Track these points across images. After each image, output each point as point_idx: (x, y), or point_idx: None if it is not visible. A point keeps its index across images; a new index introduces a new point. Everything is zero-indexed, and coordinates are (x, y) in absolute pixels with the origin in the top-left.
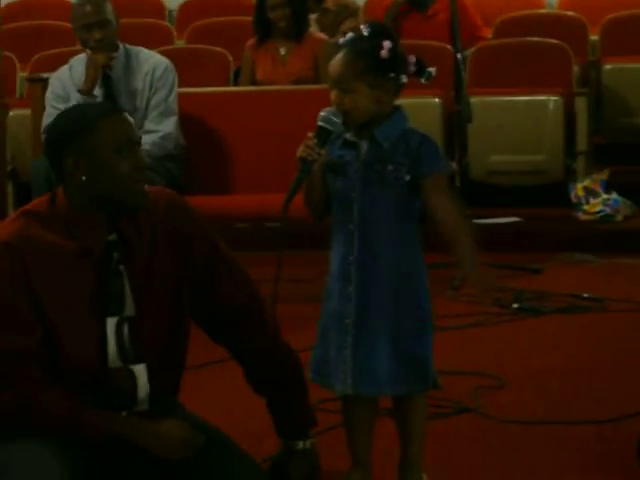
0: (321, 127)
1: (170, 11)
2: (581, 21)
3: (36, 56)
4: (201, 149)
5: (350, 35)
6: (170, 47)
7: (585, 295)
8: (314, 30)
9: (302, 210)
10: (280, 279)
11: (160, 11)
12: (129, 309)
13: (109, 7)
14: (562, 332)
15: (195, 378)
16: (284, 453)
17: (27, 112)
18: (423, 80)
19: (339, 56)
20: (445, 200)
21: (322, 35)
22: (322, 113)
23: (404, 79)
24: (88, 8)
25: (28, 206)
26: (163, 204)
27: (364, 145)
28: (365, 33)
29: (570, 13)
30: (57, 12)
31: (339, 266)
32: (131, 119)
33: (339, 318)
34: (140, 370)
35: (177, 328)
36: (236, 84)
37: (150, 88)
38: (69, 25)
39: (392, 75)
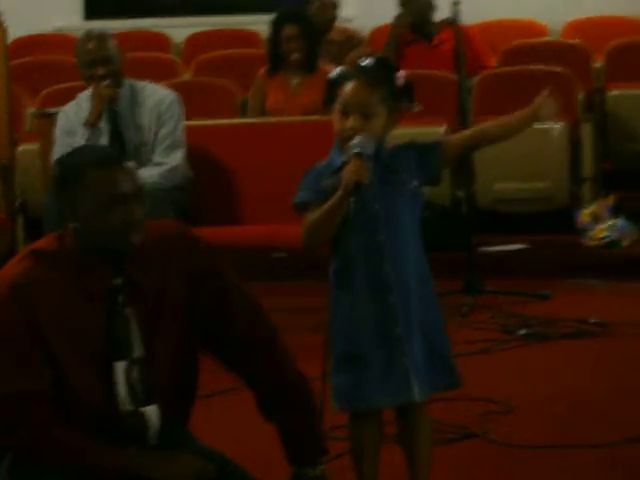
0: (361, 153)
1: (176, 44)
2: (585, 48)
3: (44, 91)
4: (209, 180)
5: (357, 65)
6: (176, 80)
7: (592, 320)
8: (325, 62)
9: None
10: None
11: (166, 44)
12: (138, 351)
13: (112, 43)
14: (570, 357)
15: (205, 407)
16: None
17: (36, 146)
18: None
19: (357, 83)
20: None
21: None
22: (356, 140)
23: (416, 107)
24: (91, 45)
25: (36, 245)
26: (173, 238)
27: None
28: (368, 64)
29: (574, 41)
30: (65, 47)
31: (367, 282)
32: (130, 168)
33: (384, 332)
34: (152, 411)
35: (188, 363)
36: (244, 115)
37: (157, 121)
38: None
39: (405, 104)
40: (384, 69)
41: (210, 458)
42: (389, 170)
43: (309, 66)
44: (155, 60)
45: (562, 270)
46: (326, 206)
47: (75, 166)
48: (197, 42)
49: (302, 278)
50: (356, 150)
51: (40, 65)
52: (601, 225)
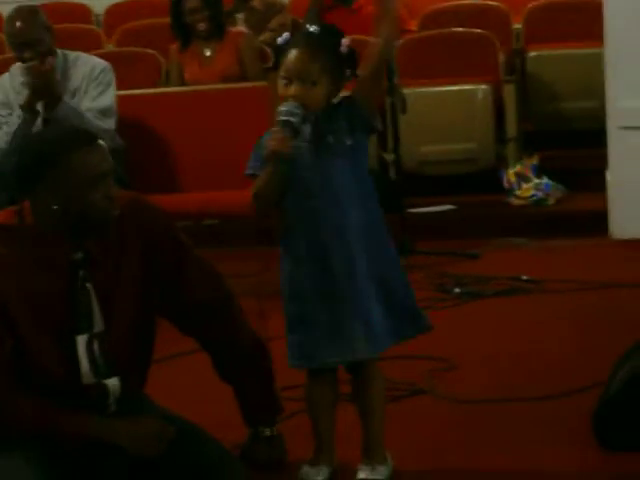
0: (287, 121)
1: (97, 15)
2: (504, 10)
3: None
4: (138, 149)
5: (303, 32)
6: (100, 51)
7: (524, 277)
8: (242, 27)
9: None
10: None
11: (87, 16)
12: (98, 325)
13: (40, 20)
14: (505, 314)
15: (161, 371)
16: (252, 440)
17: None
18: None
19: (300, 51)
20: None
21: (242, 29)
22: (283, 108)
23: (352, 74)
24: (18, 25)
25: None
26: (127, 207)
27: (307, 128)
28: (314, 31)
29: (493, 3)
30: None
31: (309, 247)
32: (103, 145)
33: (326, 294)
34: (113, 383)
35: (145, 331)
36: (168, 85)
37: (87, 86)
38: None
39: (348, 71)
40: (328, 37)
41: (169, 420)
42: (321, 135)
43: (218, 33)
44: (78, 31)
45: (490, 229)
46: (261, 177)
47: (55, 150)
48: (117, 13)
49: (233, 245)
50: (281, 118)
51: None
52: (526, 184)
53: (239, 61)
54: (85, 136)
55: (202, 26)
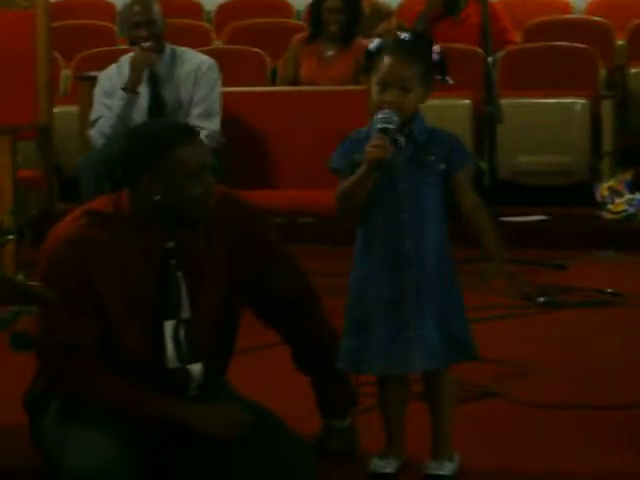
0: (387, 128)
1: (208, 12)
2: (608, 26)
3: (80, 55)
4: (239, 146)
5: (396, 39)
6: (208, 48)
7: (608, 290)
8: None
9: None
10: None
11: (198, 12)
12: (185, 312)
13: (156, 8)
14: (586, 324)
15: (242, 361)
16: (326, 431)
17: (70, 109)
18: (439, 77)
19: (396, 58)
20: (473, 195)
21: (366, 42)
22: (381, 115)
23: (450, 80)
24: (137, 7)
25: (91, 205)
26: (218, 201)
27: (402, 141)
28: (407, 38)
29: (597, 18)
30: (98, 12)
31: (388, 256)
32: (204, 141)
33: (392, 304)
34: (196, 368)
35: (230, 320)
36: (274, 82)
37: (194, 85)
38: (110, 25)
39: (439, 78)
40: (422, 44)
41: (247, 407)
42: (421, 149)
43: (345, 39)
44: (188, 27)
45: (580, 242)
46: (352, 178)
47: (161, 142)
48: (228, 10)
49: (327, 243)
50: (380, 125)
51: (73, 29)
52: (619, 199)
53: (356, 71)
54: (189, 130)
55: (334, 27)
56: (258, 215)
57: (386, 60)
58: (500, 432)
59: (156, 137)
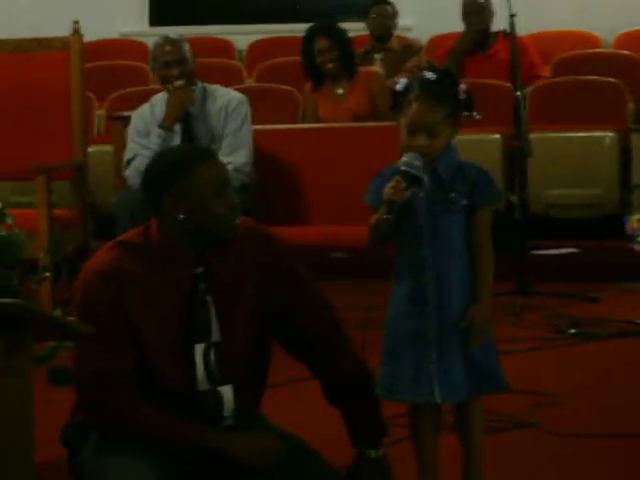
0: (407, 172)
1: (240, 51)
2: (636, 59)
3: (113, 95)
4: (269, 182)
5: (422, 80)
6: (241, 86)
7: (639, 321)
8: (366, 67)
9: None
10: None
11: (230, 51)
12: (215, 335)
13: (186, 46)
14: (617, 355)
15: (276, 394)
16: (358, 461)
17: (105, 148)
18: (465, 113)
19: (424, 104)
20: (483, 238)
21: (374, 69)
22: (404, 158)
23: (477, 116)
24: (168, 47)
25: (123, 237)
26: (249, 233)
27: (425, 178)
28: (432, 77)
29: (626, 52)
30: (130, 52)
31: (411, 290)
32: (222, 161)
33: (417, 337)
34: (226, 391)
35: (260, 350)
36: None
37: (225, 119)
38: (143, 65)
39: (467, 114)
40: (447, 84)
41: (282, 437)
42: (443, 186)
43: (348, 73)
44: (220, 66)
45: (610, 274)
46: (374, 216)
47: (183, 162)
48: (259, 49)
49: (360, 278)
50: (400, 168)
51: (106, 69)
52: None
53: (371, 100)
54: (206, 150)
55: (330, 66)
56: (287, 248)
57: (414, 105)
58: (535, 462)
59: (176, 158)
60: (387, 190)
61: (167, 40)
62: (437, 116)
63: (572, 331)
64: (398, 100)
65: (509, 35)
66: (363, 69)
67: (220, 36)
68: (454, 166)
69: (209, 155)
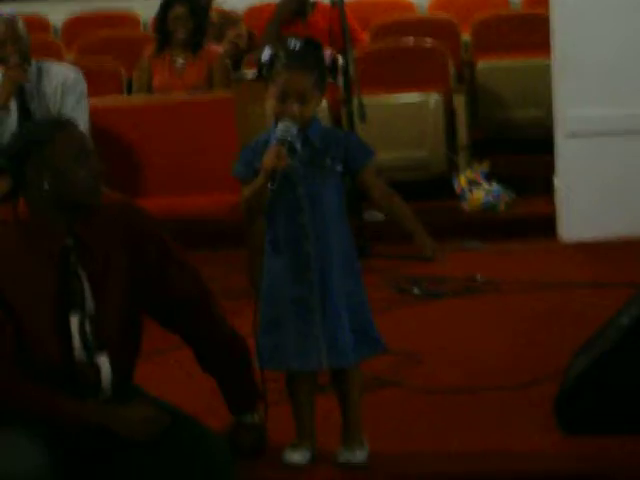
0: (285, 139)
1: (55, 27)
2: (453, 23)
3: None
4: (107, 158)
5: (289, 49)
6: (62, 62)
7: (479, 278)
8: (209, 43)
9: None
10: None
11: (46, 27)
12: (89, 306)
13: (21, 24)
14: (465, 312)
15: (148, 365)
16: (235, 427)
17: None
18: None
19: (294, 71)
20: (382, 186)
21: (217, 48)
22: (281, 126)
23: (340, 81)
24: (2, 26)
25: None
26: (118, 206)
27: (298, 147)
28: (300, 47)
29: (443, 15)
30: None
31: (292, 258)
32: (82, 129)
33: (300, 304)
34: (103, 361)
35: (133, 320)
36: (129, 94)
37: (61, 97)
38: None
39: (331, 80)
40: (314, 52)
41: (161, 407)
42: (317, 152)
43: (194, 46)
44: (37, 42)
45: (444, 234)
46: (251, 187)
47: (41, 132)
48: (76, 25)
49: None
50: (278, 136)
51: None
52: (477, 190)
53: (209, 78)
54: (65, 120)
55: (182, 33)
56: (153, 219)
57: (283, 73)
58: (402, 418)
59: (35, 129)
60: (268, 159)
61: (1, 19)
62: (307, 82)
63: (415, 291)
64: (263, 70)
65: (335, 3)
66: (207, 46)
67: (36, 13)
68: (323, 133)
69: (68, 124)
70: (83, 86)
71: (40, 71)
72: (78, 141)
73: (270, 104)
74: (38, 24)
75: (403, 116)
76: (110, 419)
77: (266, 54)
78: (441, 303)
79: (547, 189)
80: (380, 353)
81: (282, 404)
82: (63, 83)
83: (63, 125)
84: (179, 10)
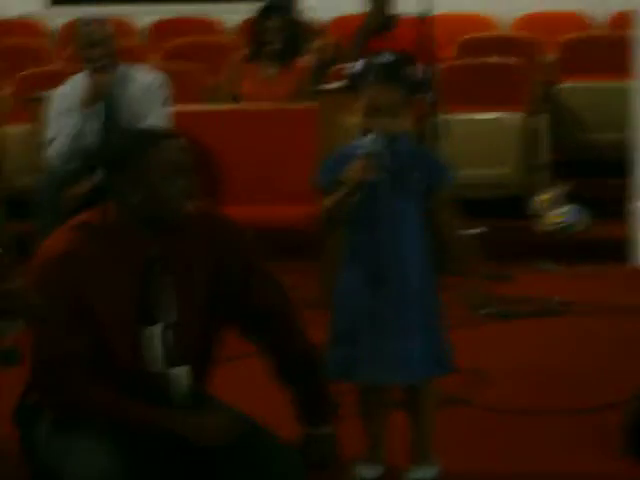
0: (372, 153)
1: (141, 30)
2: (537, 42)
3: (20, 75)
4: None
5: (380, 63)
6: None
7: (555, 300)
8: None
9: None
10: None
11: (131, 31)
12: (171, 316)
13: (109, 27)
14: (536, 334)
15: (223, 371)
16: (306, 438)
17: (13, 129)
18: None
19: (384, 85)
20: (446, 215)
21: (308, 63)
22: (369, 139)
23: (430, 97)
24: (91, 27)
25: (80, 218)
26: (203, 215)
27: (386, 162)
28: (392, 61)
29: (526, 34)
30: (29, 32)
31: (369, 271)
32: (184, 143)
33: (376, 318)
34: (182, 372)
35: (213, 330)
36: (212, 101)
37: (146, 101)
38: (45, 45)
39: (423, 95)
40: (406, 66)
41: (233, 416)
42: (404, 168)
43: (286, 58)
44: (124, 46)
45: (519, 254)
46: (334, 197)
47: (135, 146)
48: (161, 29)
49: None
50: (366, 148)
51: (5, 50)
52: (555, 211)
53: (298, 92)
54: (163, 132)
55: (277, 44)
56: (241, 230)
57: (374, 86)
58: (468, 437)
59: (131, 140)
60: (354, 171)
61: (89, 20)
62: (398, 97)
63: (490, 310)
64: (355, 82)
65: (421, 17)
66: (298, 60)
67: (121, 16)
68: (411, 150)
69: (165, 137)
70: (168, 91)
71: (126, 74)
72: (174, 157)
73: (359, 116)
74: (124, 28)
75: (483, 133)
76: (184, 425)
77: (358, 66)
78: (515, 323)
79: (620, 213)
80: (450, 372)
81: (355, 417)
82: (148, 87)
83: (162, 138)
84: (276, 21)
